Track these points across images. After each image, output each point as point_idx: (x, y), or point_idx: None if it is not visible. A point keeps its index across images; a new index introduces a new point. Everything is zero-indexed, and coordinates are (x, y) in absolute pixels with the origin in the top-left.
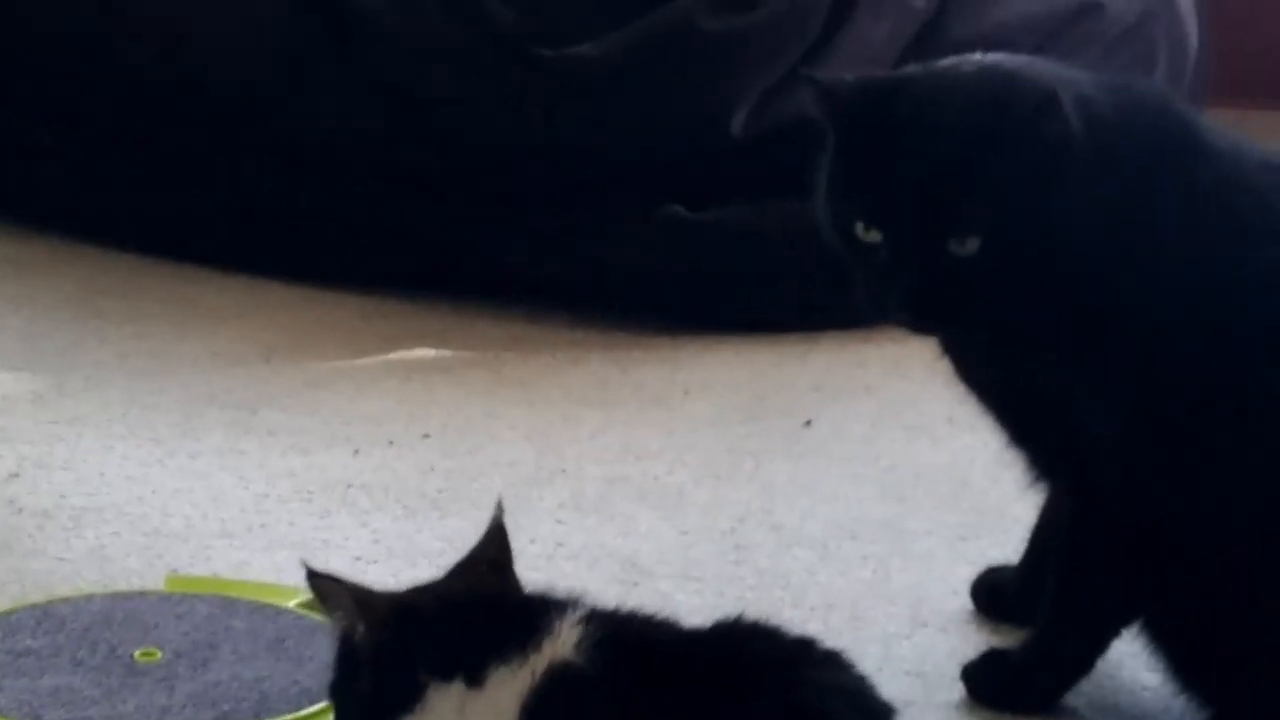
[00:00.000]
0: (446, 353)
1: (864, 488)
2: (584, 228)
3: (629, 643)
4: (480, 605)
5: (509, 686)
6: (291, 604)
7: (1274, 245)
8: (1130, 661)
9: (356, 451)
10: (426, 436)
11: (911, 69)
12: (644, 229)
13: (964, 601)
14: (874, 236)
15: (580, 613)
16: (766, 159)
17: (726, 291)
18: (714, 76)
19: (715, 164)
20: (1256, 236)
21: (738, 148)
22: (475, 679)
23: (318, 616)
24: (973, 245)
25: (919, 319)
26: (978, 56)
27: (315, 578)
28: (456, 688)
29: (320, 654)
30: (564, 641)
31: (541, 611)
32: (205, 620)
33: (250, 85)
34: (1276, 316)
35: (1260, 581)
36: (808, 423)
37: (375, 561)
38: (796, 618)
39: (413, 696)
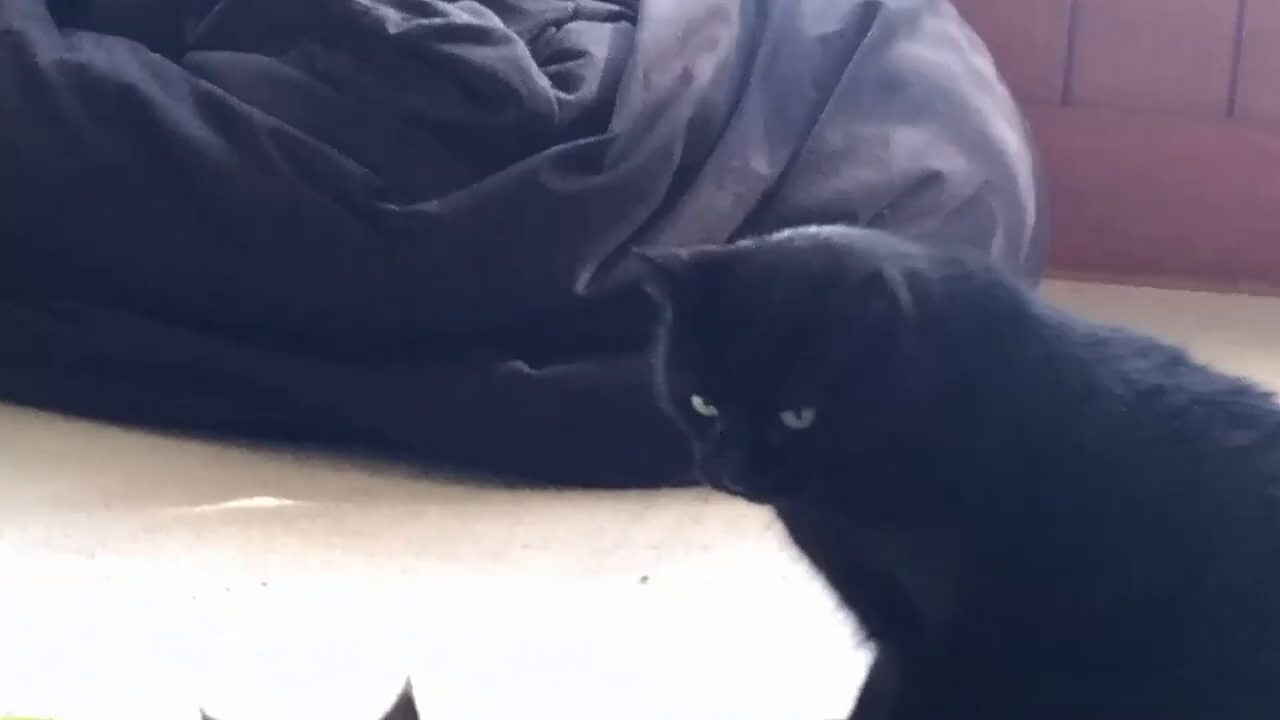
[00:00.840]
0: (287, 502)
1: (698, 646)
2: (427, 381)
3: None
4: None
5: None
6: None
7: (1096, 415)
8: None
9: (194, 598)
10: (264, 585)
11: (745, 243)
12: (485, 384)
13: None
14: (709, 410)
15: None
16: (610, 318)
17: (566, 447)
18: (560, 235)
19: (558, 322)
20: (1079, 410)
21: (581, 306)
22: None
23: None
24: (808, 417)
25: (752, 490)
26: (813, 230)
27: None
28: None
29: None
30: None
31: None
32: None
33: (93, 233)
34: (1098, 489)
35: None
36: (644, 579)
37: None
38: None
39: None
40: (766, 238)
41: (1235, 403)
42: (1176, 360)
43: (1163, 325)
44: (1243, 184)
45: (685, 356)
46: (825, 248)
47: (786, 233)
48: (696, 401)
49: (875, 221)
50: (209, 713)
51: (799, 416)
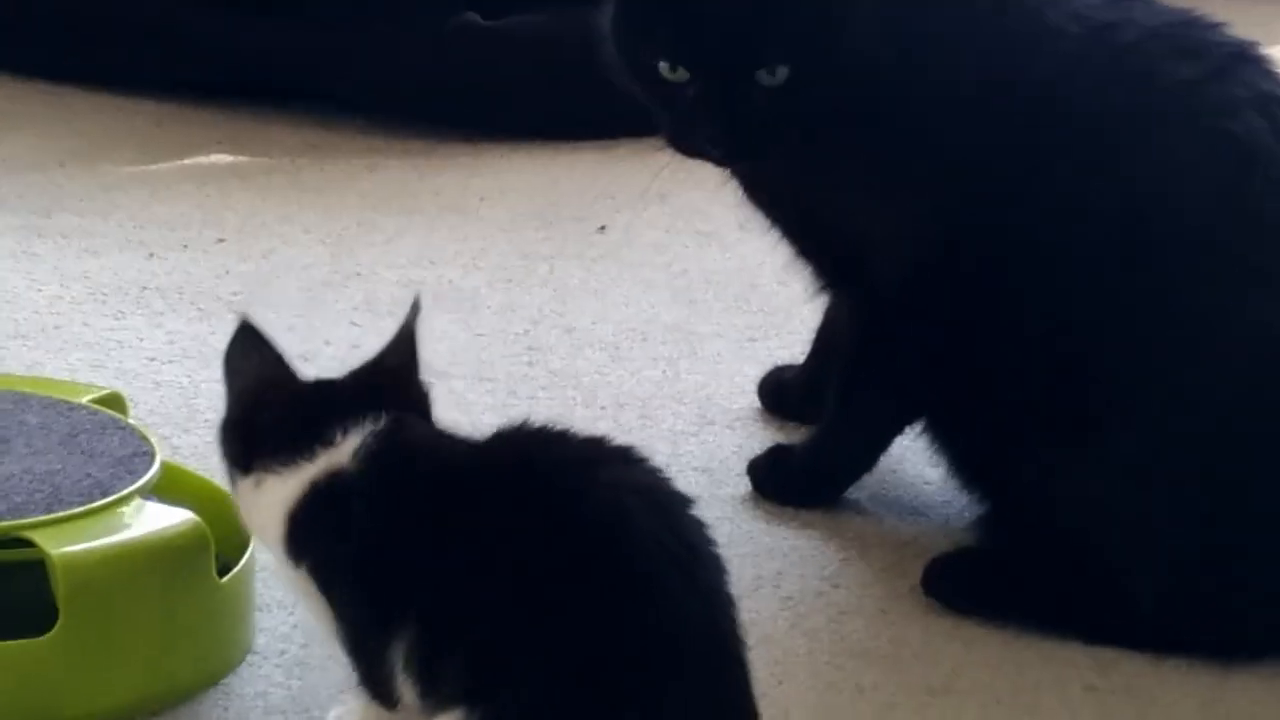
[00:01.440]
0: (242, 158)
1: (655, 292)
2: (379, 37)
3: (412, 452)
4: (299, 404)
5: (280, 491)
6: (84, 400)
7: (1047, 54)
8: (913, 457)
9: (151, 255)
10: (221, 240)
11: None
12: (440, 36)
13: (750, 400)
14: (679, 75)
15: (372, 420)
16: None
17: (523, 99)
18: None
19: None
20: (1032, 50)
21: None
22: (258, 480)
23: (110, 412)
24: (782, 74)
25: (731, 153)
26: None
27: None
28: (249, 482)
29: (111, 449)
30: (342, 450)
31: (336, 416)
32: None
33: None
34: (1052, 128)
35: (1031, 388)
36: (601, 228)
37: (170, 362)
38: (588, 417)
39: (232, 481)
40: None
41: (1184, 35)
42: None
43: None
44: None
45: (648, 22)
46: None
47: None
48: (663, 67)
49: None
50: (249, 319)
51: (774, 74)
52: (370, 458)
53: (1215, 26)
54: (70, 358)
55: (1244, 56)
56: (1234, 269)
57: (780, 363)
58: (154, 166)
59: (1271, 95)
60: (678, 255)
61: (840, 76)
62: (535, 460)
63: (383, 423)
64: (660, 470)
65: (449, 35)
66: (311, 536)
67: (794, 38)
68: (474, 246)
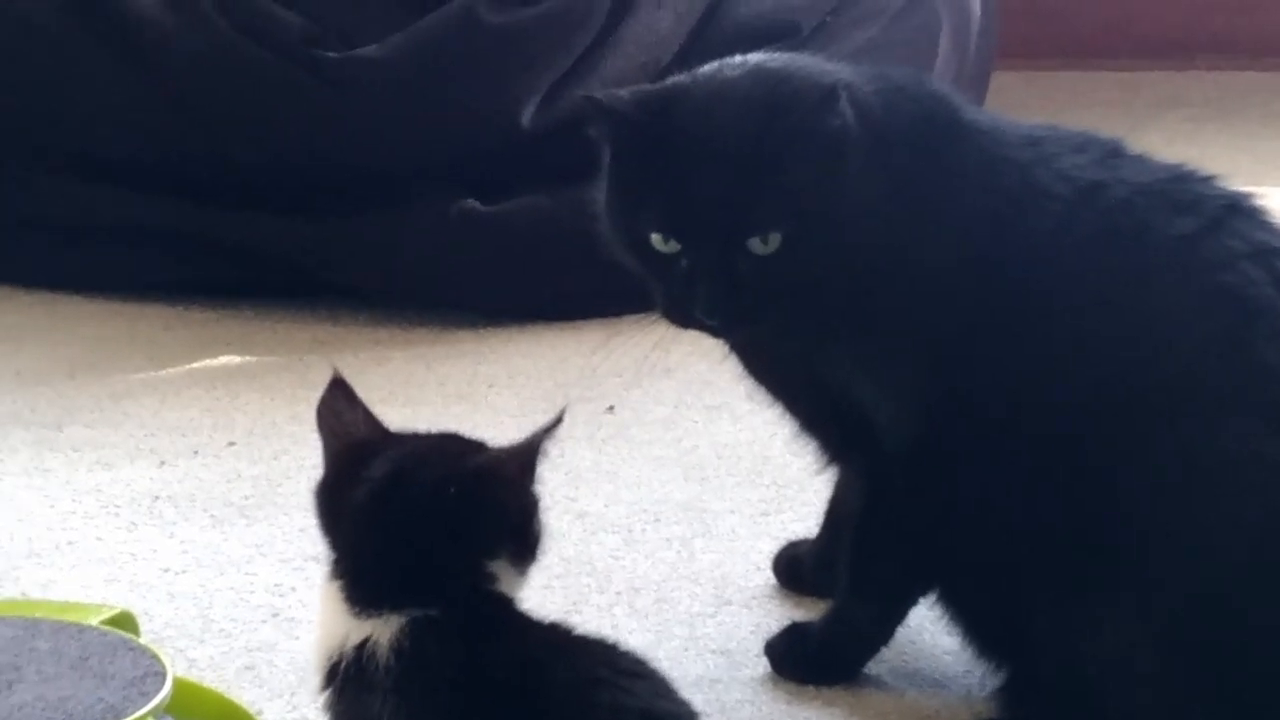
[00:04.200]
0: (250, 359)
1: (667, 470)
2: (381, 227)
3: (443, 650)
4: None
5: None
6: (94, 621)
7: (1038, 215)
8: (931, 627)
9: (162, 463)
10: (231, 444)
11: (680, 78)
12: (440, 225)
13: (767, 577)
14: (672, 247)
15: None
16: (558, 149)
17: (525, 282)
18: (500, 70)
19: (507, 157)
20: (1021, 212)
21: (529, 139)
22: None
23: (120, 633)
24: (774, 242)
25: (726, 323)
26: (738, 59)
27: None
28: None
29: (123, 671)
30: (386, 627)
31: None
32: (9, 643)
33: (34, 97)
34: (1045, 289)
35: (1039, 549)
36: (610, 408)
37: (184, 572)
38: (603, 603)
39: None
40: (698, 70)
41: (1176, 190)
42: (1115, 152)
43: (1120, 108)
44: None
45: (638, 195)
46: (763, 73)
47: (714, 64)
48: (655, 239)
49: (818, 30)
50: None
51: (766, 242)
52: (402, 649)
53: (1207, 180)
54: (84, 574)
55: (1238, 208)
56: (1245, 416)
57: (794, 537)
58: (163, 372)
59: (1268, 246)
60: (687, 430)
61: (833, 242)
62: (545, 672)
63: (431, 612)
64: (665, 684)
65: (451, 223)
66: (339, 695)
67: (785, 204)
68: (483, 434)
